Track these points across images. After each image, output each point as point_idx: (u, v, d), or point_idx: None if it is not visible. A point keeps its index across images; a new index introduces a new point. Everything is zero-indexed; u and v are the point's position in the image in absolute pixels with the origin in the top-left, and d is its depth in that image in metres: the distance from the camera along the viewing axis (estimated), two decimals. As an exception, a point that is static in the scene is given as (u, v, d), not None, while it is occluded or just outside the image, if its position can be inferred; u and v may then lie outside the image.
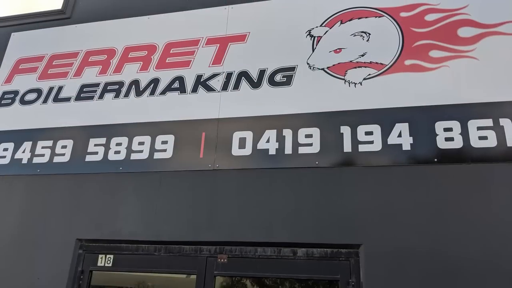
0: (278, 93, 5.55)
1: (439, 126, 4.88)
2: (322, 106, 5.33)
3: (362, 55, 5.45)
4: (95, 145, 5.89)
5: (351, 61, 5.47)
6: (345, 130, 5.12)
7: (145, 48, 6.46)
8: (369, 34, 5.56)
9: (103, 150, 5.82)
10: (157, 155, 5.61)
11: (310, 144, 5.16)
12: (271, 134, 5.33)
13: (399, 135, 4.94)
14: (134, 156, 5.68)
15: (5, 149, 6.24)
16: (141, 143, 5.72)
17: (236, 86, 5.73)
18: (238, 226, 5.03)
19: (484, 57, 5.09)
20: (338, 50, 5.57)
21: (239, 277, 5.18)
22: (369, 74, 5.33)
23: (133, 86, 6.17)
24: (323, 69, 5.53)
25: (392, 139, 4.95)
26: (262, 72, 5.72)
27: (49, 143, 6.09)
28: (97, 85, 6.36)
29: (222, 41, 6.13)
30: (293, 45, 5.80)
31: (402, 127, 4.97)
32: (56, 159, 5.96)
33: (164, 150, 5.61)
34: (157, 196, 5.39)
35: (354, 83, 5.33)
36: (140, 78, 6.20)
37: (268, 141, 5.30)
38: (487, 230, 4.39)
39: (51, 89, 6.56)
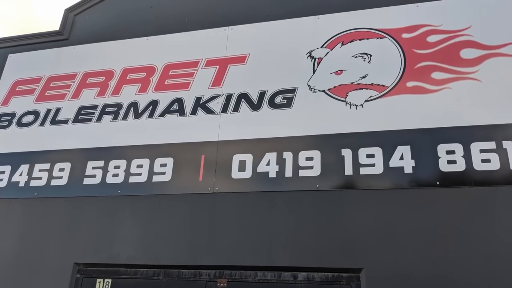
0: (279, 115, 5.51)
1: (442, 148, 4.84)
2: (323, 128, 5.29)
3: (364, 77, 5.42)
4: (93, 168, 5.85)
5: (352, 83, 5.44)
6: (346, 153, 5.08)
7: (143, 69, 6.43)
8: (371, 55, 5.53)
9: (101, 173, 5.77)
10: (156, 178, 5.57)
11: (311, 167, 5.12)
12: (271, 156, 5.29)
13: (401, 158, 4.91)
14: (132, 179, 5.63)
15: (2, 172, 6.19)
16: (139, 166, 5.68)
17: (236, 108, 5.69)
18: (238, 250, 4.98)
19: (487, 79, 5.05)
20: (339, 71, 5.53)
21: (239, 302, 5.12)
22: (371, 96, 5.30)
23: (132, 108, 6.13)
24: (324, 91, 5.49)
25: (394, 162, 4.91)
26: (262, 94, 5.68)
27: (47, 166, 6.04)
28: (95, 107, 6.32)
29: (221, 62, 6.10)
30: (294, 67, 5.77)
31: (404, 150, 4.93)
32: (54, 182, 5.91)
33: (163, 173, 5.57)
34: (155, 220, 5.34)
35: (355, 105, 5.30)
36: (139, 100, 6.16)
37: (268, 164, 5.26)
38: (490, 254, 4.35)
39: (48, 111, 6.52)
